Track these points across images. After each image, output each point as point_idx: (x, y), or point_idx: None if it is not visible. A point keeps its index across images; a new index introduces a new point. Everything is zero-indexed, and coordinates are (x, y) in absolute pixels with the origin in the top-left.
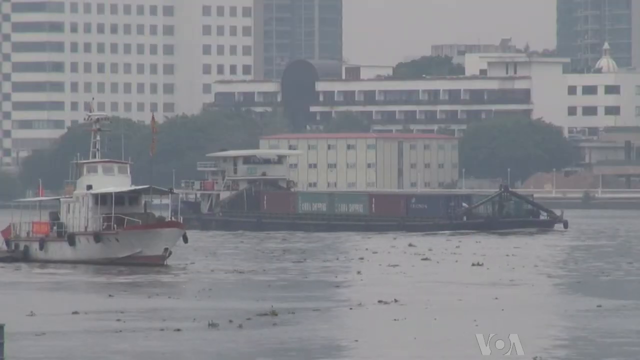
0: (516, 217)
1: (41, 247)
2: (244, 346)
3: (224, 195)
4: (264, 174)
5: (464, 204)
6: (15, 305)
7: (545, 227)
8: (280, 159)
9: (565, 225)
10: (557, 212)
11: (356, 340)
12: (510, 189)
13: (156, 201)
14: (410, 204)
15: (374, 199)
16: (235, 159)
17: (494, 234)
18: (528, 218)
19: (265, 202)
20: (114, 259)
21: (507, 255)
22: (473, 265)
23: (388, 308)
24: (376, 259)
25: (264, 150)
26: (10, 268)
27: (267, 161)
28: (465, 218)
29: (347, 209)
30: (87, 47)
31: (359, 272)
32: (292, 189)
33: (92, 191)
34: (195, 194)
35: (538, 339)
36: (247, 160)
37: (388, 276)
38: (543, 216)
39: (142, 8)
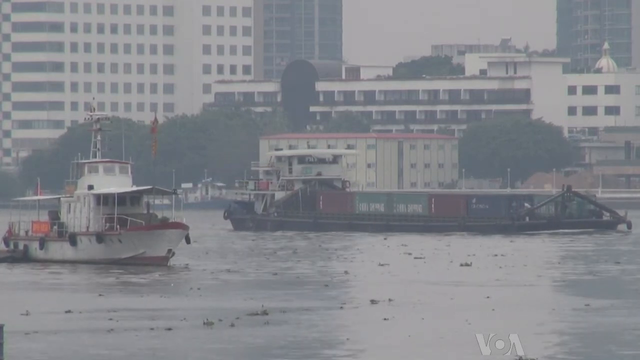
0: (579, 217)
1: (41, 247)
2: (237, 345)
3: (279, 195)
4: (319, 173)
5: (526, 204)
6: (12, 305)
7: (608, 227)
8: (336, 159)
9: (629, 225)
10: (621, 212)
11: (348, 339)
12: (572, 190)
13: (157, 201)
14: (471, 204)
15: (433, 199)
16: (290, 158)
17: (558, 234)
18: (591, 219)
19: (321, 202)
20: (116, 259)
21: (496, 255)
22: (461, 265)
23: (380, 307)
24: (368, 258)
25: (320, 149)
26: (9, 267)
27: (322, 161)
28: (527, 219)
29: (406, 209)
30: (87, 47)
31: (346, 272)
32: (348, 189)
33: (94, 191)
34: (249, 195)
35: (528, 338)
36: (302, 159)
37: (380, 276)
38: (606, 217)
39: (142, 8)
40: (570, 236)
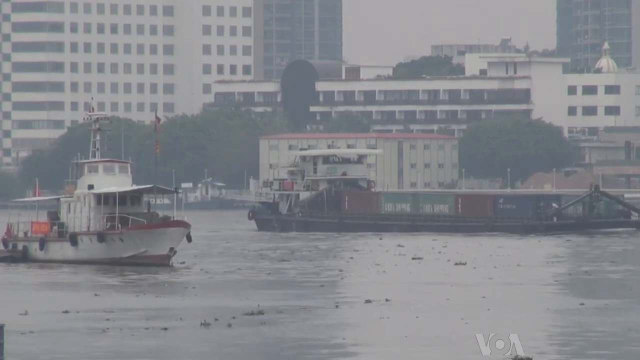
0: (607, 217)
1: (41, 247)
2: (234, 345)
3: (304, 195)
4: (344, 173)
5: (554, 205)
6: (11, 304)
7: (637, 227)
8: (360, 159)
9: None
10: None
11: (344, 339)
12: (600, 190)
13: (157, 201)
14: (498, 205)
15: (460, 199)
16: (315, 158)
17: (585, 234)
18: (619, 219)
19: (346, 202)
20: (117, 258)
21: (491, 255)
22: (456, 264)
23: (376, 307)
24: (364, 258)
25: (344, 149)
26: (9, 268)
27: (346, 161)
28: (555, 219)
29: (432, 209)
30: (87, 47)
31: (340, 271)
32: (373, 189)
33: (95, 191)
34: (274, 195)
35: (523, 337)
36: (326, 159)
37: (375, 276)
38: (634, 217)
39: (142, 8)
40: (589, 236)
